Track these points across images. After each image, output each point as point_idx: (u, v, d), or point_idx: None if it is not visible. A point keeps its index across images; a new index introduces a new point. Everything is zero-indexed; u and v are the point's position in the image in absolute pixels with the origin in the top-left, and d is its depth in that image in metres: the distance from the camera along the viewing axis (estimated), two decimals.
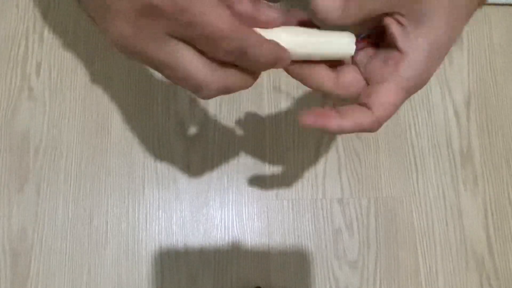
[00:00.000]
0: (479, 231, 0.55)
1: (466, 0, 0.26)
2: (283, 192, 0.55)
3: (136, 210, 0.53)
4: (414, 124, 0.58)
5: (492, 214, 0.56)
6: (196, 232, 0.53)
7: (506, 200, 0.56)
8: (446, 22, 0.25)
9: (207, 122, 0.56)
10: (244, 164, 0.55)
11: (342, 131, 0.27)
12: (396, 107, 0.27)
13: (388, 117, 0.27)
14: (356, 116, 0.27)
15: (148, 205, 0.53)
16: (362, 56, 0.29)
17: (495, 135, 0.58)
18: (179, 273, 0.51)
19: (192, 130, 0.56)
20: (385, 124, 0.60)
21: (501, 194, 0.56)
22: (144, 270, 0.51)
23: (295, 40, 0.26)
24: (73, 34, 0.58)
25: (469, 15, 0.26)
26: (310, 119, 0.27)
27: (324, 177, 0.55)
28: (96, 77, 0.57)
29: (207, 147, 0.55)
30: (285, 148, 0.56)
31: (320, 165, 0.55)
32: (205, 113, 0.56)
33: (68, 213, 0.52)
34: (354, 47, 0.27)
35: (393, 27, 0.26)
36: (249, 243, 0.53)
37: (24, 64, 0.56)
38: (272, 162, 0.55)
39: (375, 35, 0.28)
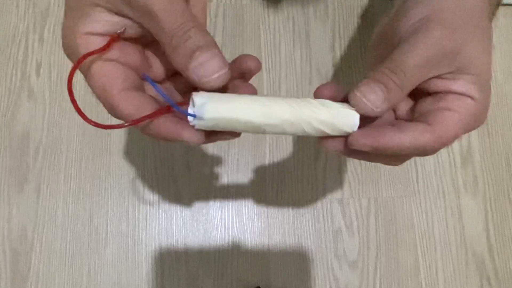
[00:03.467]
0: (479, 231, 0.55)
1: (488, 28, 0.25)
2: (283, 192, 0.55)
3: (136, 210, 0.53)
4: None
5: (492, 214, 0.56)
6: (196, 232, 0.53)
7: (506, 200, 0.56)
8: (487, 61, 0.25)
9: None
10: (244, 164, 0.55)
11: (400, 149, 0.24)
12: (455, 138, 0.24)
13: (448, 140, 0.24)
14: (415, 129, 0.24)
15: (148, 205, 0.53)
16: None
17: (495, 135, 0.58)
18: (179, 273, 0.51)
19: None
20: None
21: (501, 194, 0.56)
22: (144, 270, 0.51)
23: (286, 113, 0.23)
24: None
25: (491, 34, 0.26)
26: (362, 139, 0.23)
27: (324, 177, 0.55)
28: None
29: (207, 147, 0.55)
30: (285, 148, 0.56)
31: (320, 165, 0.55)
32: None
33: (68, 213, 0.52)
34: (357, 126, 0.24)
35: (456, 86, 0.25)
36: (249, 243, 0.53)
37: (24, 64, 0.56)
38: (272, 162, 0.55)
39: None
